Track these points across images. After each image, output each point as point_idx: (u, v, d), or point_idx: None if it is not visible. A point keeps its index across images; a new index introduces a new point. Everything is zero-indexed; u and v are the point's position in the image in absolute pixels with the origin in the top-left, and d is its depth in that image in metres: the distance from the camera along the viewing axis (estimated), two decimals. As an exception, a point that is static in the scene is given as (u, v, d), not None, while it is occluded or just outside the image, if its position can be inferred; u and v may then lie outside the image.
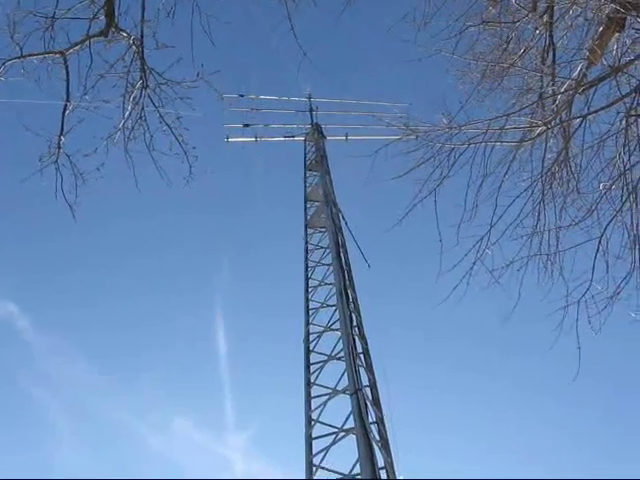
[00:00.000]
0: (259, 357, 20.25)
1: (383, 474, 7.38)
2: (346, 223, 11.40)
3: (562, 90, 9.36)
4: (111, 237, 21.18)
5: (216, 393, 20.68)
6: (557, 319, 8.92)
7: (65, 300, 22.05)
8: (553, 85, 9.59)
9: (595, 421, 19.79)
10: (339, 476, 7.61)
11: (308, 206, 12.38)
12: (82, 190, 8.90)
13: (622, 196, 9.11)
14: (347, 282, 9.77)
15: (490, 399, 20.12)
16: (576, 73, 9.41)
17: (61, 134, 8.86)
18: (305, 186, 13.03)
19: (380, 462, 7.52)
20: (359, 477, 6.96)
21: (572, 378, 8.80)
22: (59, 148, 8.84)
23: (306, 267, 10.57)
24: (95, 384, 20.10)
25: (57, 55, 8.56)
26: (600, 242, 9.07)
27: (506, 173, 9.62)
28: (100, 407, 20.34)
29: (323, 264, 10.47)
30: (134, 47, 8.75)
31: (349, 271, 10.14)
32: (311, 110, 14.97)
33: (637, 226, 9.08)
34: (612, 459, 19.27)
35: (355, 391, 7.71)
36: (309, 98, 15.11)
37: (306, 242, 11.32)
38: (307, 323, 9.52)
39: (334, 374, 8.63)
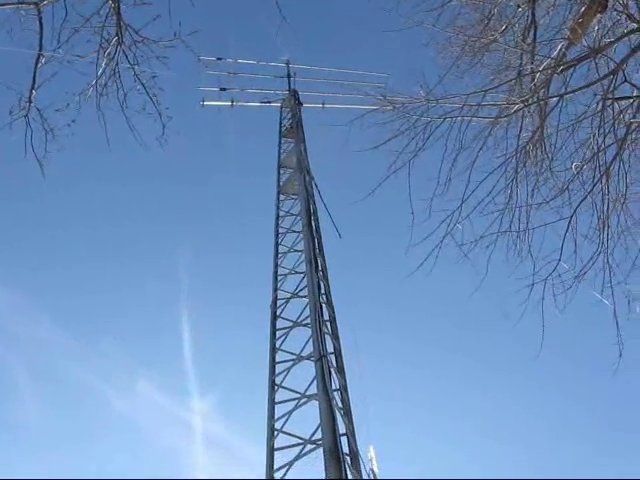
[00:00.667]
0: (225, 323, 20.24)
1: (344, 440, 7.42)
2: (319, 192, 11.36)
3: (541, 69, 9.37)
4: (80, 198, 20.89)
5: (180, 358, 20.66)
6: (523, 296, 9.04)
7: (29, 260, 21.72)
8: (532, 63, 9.60)
9: (555, 396, 20.19)
10: (299, 441, 7.64)
11: (281, 173, 12.30)
12: (52, 146, 8.76)
13: (594, 178, 9.21)
14: (317, 250, 9.75)
15: (455, 372, 20.40)
16: (556, 52, 9.43)
17: (33, 87, 8.67)
18: (279, 153, 12.93)
19: (342, 429, 7.57)
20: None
21: (535, 355, 8.95)
22: (30, 102, 8.67)
23: (276, 233, 10.53)
24: (59, 345, 19.93)
25: (31, 6, 8.32)
26: (570, 222, 9.17)
27: (481, 149, 9.66)
28: (64, 368, 20.20)
29: (294, 231, 10.44)
30: (110, 1, 8.55)
31: (319, 239, 10.12)
32: (289, 76, 14.82)
33: (607, 208, 9.19)
34: (571, 435, 19.82)
35: (320, 357, 7.72)
36: (287, 64, 14.95)
37: (278, 208, 11.27)
38: (275, 289, 9.50)
39: (300, 341, 8.65)
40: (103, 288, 21.53)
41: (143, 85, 8.83)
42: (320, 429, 7.27)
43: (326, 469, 6.95)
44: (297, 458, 7.43)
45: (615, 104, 9.17)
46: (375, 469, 7.44)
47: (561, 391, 19.95)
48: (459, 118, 9.27)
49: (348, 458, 7.40)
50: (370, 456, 7.55)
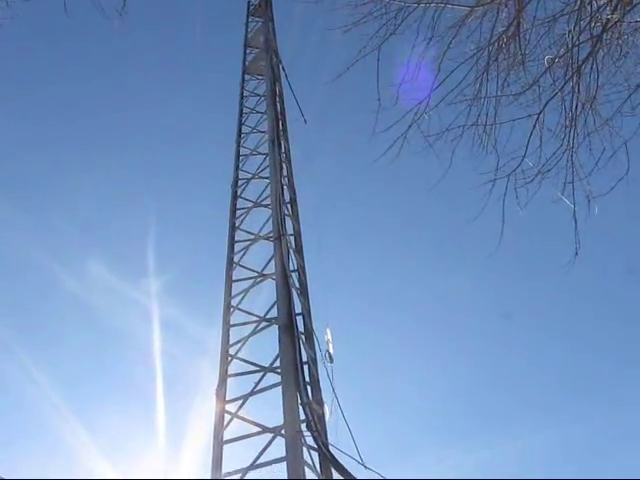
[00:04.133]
0: (183, 202, 19.93)
1: (299, 320, 7.48)
2: (285, 74, 11.02)
3: (521, -43, 9.03)
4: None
5: (134, 237, 20.47)
6: (485, 191, 9.03)
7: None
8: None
9: (509, 290, 20.72)
10: (256, 318, 7.69)
11: (247, 52, 11.88)
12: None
13: (565, 75, 9.07)
14: (280, 131, 9.54)
15: (413, 260, 20.68)
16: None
17: None
18: (246, 31, 12.46)
19: (298, 308, 7.63)
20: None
21: (493, 250, 9.03)
22: None
23: (240, 112, 10.25)
24: (5, 218, 19.43)
25: None
26: (538, 119, 9.08)
27: (453, 39, 9.39)
28: (10, 241, 19.80)
29: (257, 112, 10.17)
30: None
31: (284, 121, 9.88)
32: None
33: (576, 107, 9.11)
34: (522, 327, 20.58)
35: (278, 236, 7.69)
36: None
37: (242, 88, 10.93)
38: (236, 168, 9.33)
39: (260, 222, 8.59)
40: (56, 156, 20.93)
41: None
42: (276, 307, 7.32)
43: (280, 346, 7.04)
44: (252, 334, 7.52)
45: (593, 2, 8.95)
46: (330, 350, 7.53)
47: (516, 285, 20.48)
48: (433, 5, 8.96)
49: (303, 336, 7.50)
50: (327, 338, 7.62)
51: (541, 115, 9.08)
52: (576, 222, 8.86)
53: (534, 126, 9.05)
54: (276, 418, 6.85)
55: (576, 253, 8.81)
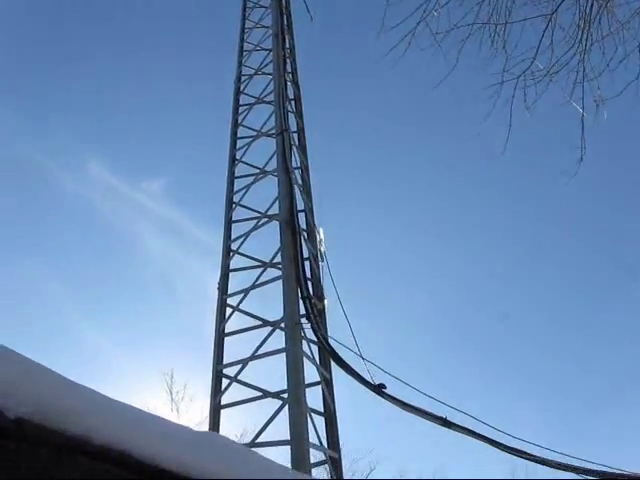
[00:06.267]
0: (184, 99, 19.62)
1: (301, 217, 7.45)
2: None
3: None
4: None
5: (132, 137, 20.30)
6: (493, 93, 8.83)
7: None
8: None
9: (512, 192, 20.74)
10: (256, 214, 7.66)
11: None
12: None
13: (581, -28, 8.72)
14: (284, 26, 9.24)
15: (417, 163, 20.62)
16: None
17: None
18: None
19: (300, 206, 7.59)
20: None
21: (500, 152, 8.90)
22: None
23: (244, 7, 9.89)
24: (4, 122, 19.17)
25: None
26: (551, 19, 8.79)
27: None
28: (12, 145, 19.61)
29: (261, 6, 9.82)
30: None
31: (288, 16, 9.56)
32: None
33: (591, 7, 8.80)
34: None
35: (281, 132, 7.55)
36: None
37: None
38: (240, 64, 9.08)
39: (263, 119, 8.43)
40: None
41: None
42: (277, 202, 7.28)
43: (281, 241, 7.04)
44: (253, 229, 7.50)
45: None
46: (322, 249, 7.48)
47: (520, 190, 20.46)
48: None
49: (305, 233, 7.49)
50: (319, 238, 7.57)
51: (554, 15, 8.79)
52: (583, 127, 8.70)
53: (546, 26, 8.78)
54: (277, 313, 6.93)
55: (581, 159, 8.70)
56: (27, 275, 20.30)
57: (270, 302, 7.39)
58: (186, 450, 2.45)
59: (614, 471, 6.34)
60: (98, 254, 22.68)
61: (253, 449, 4.42)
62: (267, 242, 7.61)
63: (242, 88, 8.72)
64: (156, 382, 17.89)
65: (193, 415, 19.89)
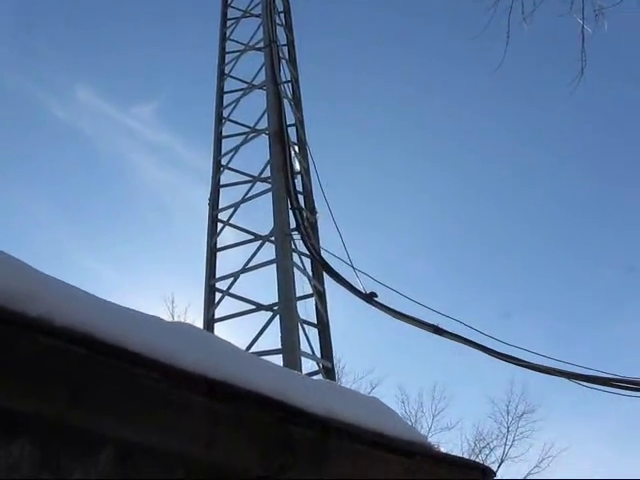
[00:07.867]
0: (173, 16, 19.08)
1: (292, 130, 7.36)
2: None
3: None
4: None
5: (121, 60, 19.87)
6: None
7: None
8: None
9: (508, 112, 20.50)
10: (246, 129, 7.56)
11: None
12: None
13: None
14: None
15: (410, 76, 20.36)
16: None
17: None
18: None
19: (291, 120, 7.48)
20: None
21: (496, 67, 8.68)
22: None
23: None
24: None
25: None
26: None
27: None
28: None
29: None
30: None
31: None
32: None
33: None
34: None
35: (269, 44, 7.38)
36: None
37: None
38: (227, -24, 8.79)
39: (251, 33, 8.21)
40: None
41: None
42: (266, 115, 7.17)
43: (270, 153, 6.96)
44: (242, 143, 7.41)
45: None
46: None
47: (517, 106, 20.31)
48: None
49: (296, 147, 7.40)
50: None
51: None
52: (583, 39, 8.47)
53: None
54: (268, 229, 6.88)
55: (582, 72, 8.49)
56: (20, 205, 20.27)
57: (261, 218, 7.36)
58: (158, 336, 2.46)
59: (604, 375, 6.39)
60: (91, 181, 22.61)
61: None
62: (257, 158, 7.52)
63: (229, 1, 8.48)
64: (158, 307, 18.03)
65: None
